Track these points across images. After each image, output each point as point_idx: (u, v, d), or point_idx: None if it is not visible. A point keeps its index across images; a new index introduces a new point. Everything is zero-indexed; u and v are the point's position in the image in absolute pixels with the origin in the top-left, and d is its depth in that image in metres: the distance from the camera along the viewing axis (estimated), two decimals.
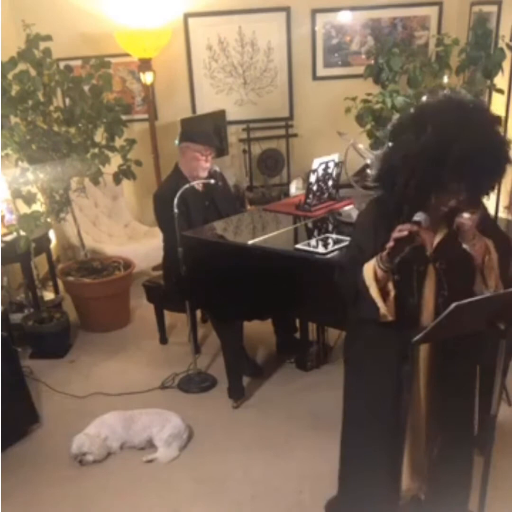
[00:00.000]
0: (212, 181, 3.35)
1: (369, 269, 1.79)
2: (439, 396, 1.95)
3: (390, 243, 1.70)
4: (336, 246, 2.72)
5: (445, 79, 4.02)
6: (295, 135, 5.16)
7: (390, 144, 1.84)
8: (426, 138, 1.63)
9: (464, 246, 1.73)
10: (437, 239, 1.82)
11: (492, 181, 1.72)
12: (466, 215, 1.70)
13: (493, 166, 1.66)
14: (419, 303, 1.84)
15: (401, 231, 1.68)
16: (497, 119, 1.80)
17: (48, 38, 3.61)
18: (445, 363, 1.91)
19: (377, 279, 1.78)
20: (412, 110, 1.83)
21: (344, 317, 2.05)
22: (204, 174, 3.44)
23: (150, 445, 2.95)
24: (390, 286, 1.80)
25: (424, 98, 3.66)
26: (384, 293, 1.80)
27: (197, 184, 3.41)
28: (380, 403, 1.99)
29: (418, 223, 1.70)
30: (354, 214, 3.03)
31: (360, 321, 1.92)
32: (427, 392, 1.96)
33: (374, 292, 1.79)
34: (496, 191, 3.98)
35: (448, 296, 1.80)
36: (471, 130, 1.63)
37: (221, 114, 5.02)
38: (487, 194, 1.76)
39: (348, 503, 2.25)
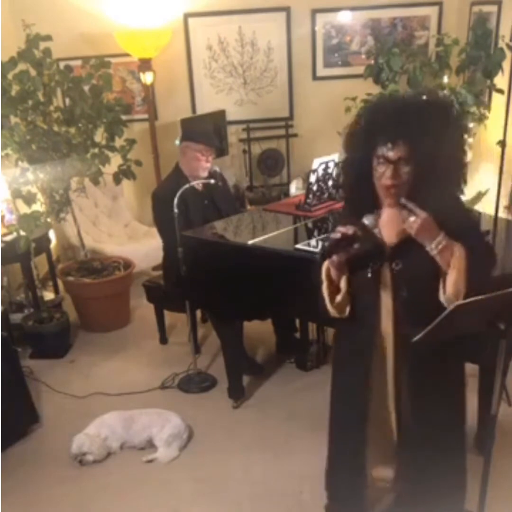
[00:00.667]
0: (212, 181, 3.35)
1: (325, 265, 1.86)
2: (406, 391, 1.91)
3: (336, 234, 1.73)
4: None
5: (445, 79, 4.02)
6: (295, 135, 5.16)
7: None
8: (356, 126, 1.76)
9: (427, 248, 1.69)
10: (397, 239, 1.79)
11: (417, 142, 1.67)
12: (411, 218, 1.68)
13: (406, 121, 1.66)
14: (376, 302, 1.84)
15: (335, 232, 1.72)
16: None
17: (48, 38, 3.61)
18: (410, 357, 1.86)
19: (328, 275, 1.86)
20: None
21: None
22: (204, 174, 3.45)
23: (150, 445, 2.95)
24: (343, 283, 1.84)
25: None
26: (334, 290, 1.86)
27: (197, 184, 3.42)
28: (346, 397, 2.07)
29: (363, 224, 1.74)
30: None
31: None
32: (395, 386, 1.94)
33: (324, 287, 1.87)
34: (496, 191, 3.98)
35: (408, 298, 1.79)
36: (387, 98, 1.83)
37: (221, 114, 5.02)
38: (434, 181, 1.69)
39: (331, 498, 2.28)
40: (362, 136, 1.75)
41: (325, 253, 1.78)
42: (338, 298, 1.86)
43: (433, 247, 1.68)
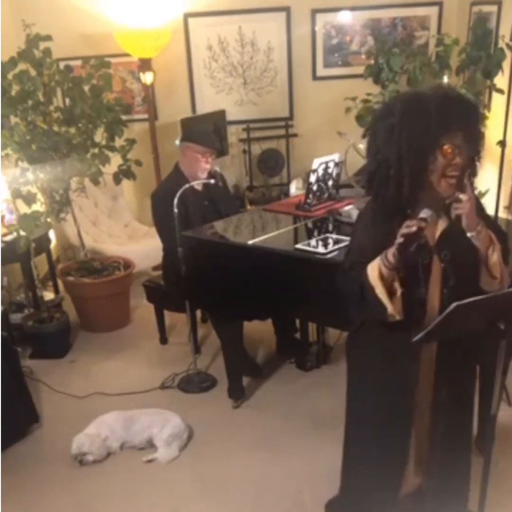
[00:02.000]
0: (212, 181, 3.35)
1: (374, 269, 1.77)
2: (443, 395, 1.94)
3: (399, 239, 1.69)
4: (336, 246, 2.72)
5: (445, 79, 4.02)
6: (295, 135, 5.16)
7: (368, 145, 1.85)
8: (400, 119, 1.70)
9: (469, 235, 1.71)
10: (439, 230, 1.81)
11: (472, 129, 1.72)
12: (462, 196, 1.69)
13: (464, 110, 1.70)
14: (426, 298, 1.82)
15: (409, 226, 1.67)
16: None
17: (48, 38, 3.61)
18: (449, 362, 1.90)
19: (382, 278, 1.75)
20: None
21: (346, 318, 2.04)
22: (204, 175, 3.45)
23: (150, 445, 2.95)
24: (397, 285, 1.77)
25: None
26: (390, 292, 1.77)
27: (197, 184, 3.42)
28: (386, 403, 1.98)
29: (424, 219, 1.69)
30: (354, 214, 3.03)
31: (364, 322, 1.92)
32: (432, 391, 1.96)
33: (380, 291, 1.76)
34: (496, 191, 3.97)
35: (454, 287, 1.79)
36: (428, 91, 1.76)
37: (221, 114, 5.02)
38: (477, 154, 1.75)
39: (350, 503, 2.25)
40: (417, 130, 1.68)
41: (399, 249, 1.69)
42: (397, 298, 1.77)
43: (475, 233, 1.71)
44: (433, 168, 1.70)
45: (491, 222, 1.85)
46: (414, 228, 1.66)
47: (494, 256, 1.74)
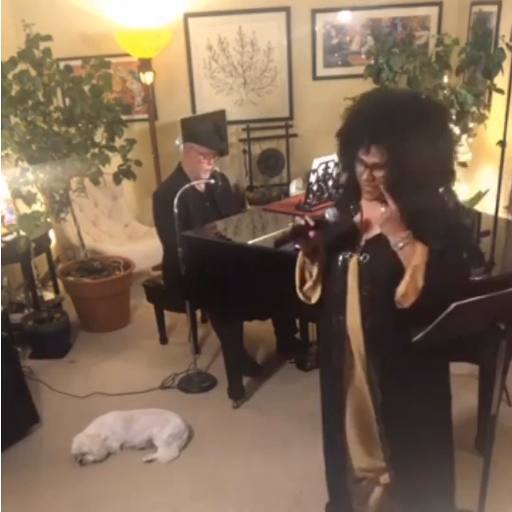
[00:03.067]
0: (212, 181, 3.35)
1: (300, 253, 1.93)
2: (376, 384, 1.92)
3: (289, 228, 1.82)
4: None
5: (445, 79, 4.02)
6: (295, 135, 5.16)
7: None
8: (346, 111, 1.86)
9: (391, 245, 1.72)
10: (372, 234, 1.83)
11: (398, 148, 1.66)
12: (382, 208, 1.75)
13: (393, 126, 1.65)
14: (343, 293, 1.88)
15: (296, 222, 1.81)
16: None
17: (48, 38, 3.61)
18: (378, 351, 1.88)
19: (301, 263, 1.95)
20: None
21: None
22: (206, 176, 3.45)
23: (150, 445, 2.95)
24: (315, 271, 1.91)
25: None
26: (306, 276, 1.96)
27: (198, 184, 3.42)
28: (325, 391, 2.12)
29: (321, 219, 1.82)
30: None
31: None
32: (367, 378, 1.95)
33: (296, 274, 1.98)
34: (496, 191, 3.97)
35: (371, 292, 1.82)
36: (377, 97, 1.83)
37: (221, 114, 5.02)
38: (406, 178, 1.68)
39: (329, 496, 2.30)
40: (344, 136, 1.80)
41: (278, 241, 1.85)
42: (308, 283, 1.95)
43: (396, 242, 1.71)
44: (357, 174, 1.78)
45: (450, 238, 1.73)
46: (302, 222, 1.79)
47: (406, 275, 1.69)
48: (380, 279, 1.79)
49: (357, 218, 1.87)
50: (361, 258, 1.83)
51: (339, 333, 1.93)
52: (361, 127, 1.71)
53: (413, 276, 1.68)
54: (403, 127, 1.65)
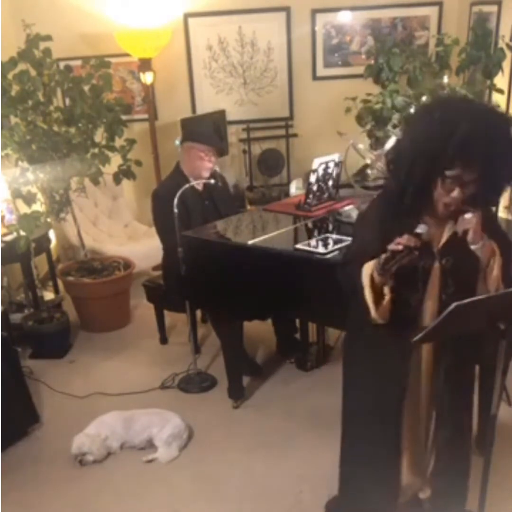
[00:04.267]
0: (212, 181, 3.35)
1: (368, 269, 1.77)
2: (440, 395, 1.95)
3: (387, 253, 1.68)
4: (336, 246, 2.72)
5: (445, 79, 4.01)
6: (295, 135, 5.16)
7: (401, 134, 1.88)
8: (432, 122, 1.66)
9: (473, 247, 1.72)
10: (445, 237, 1.82)
11: (499, 171, 1.66)
12: (467, 215, 1.69)
13: (498, 152, 1.62)
14: (423, 300, 1.84)
15: (397, 244, 1.66)
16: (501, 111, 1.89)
17: (48, 38, 3.61)
18: (447, 362, 1.92)
19: (373, 282, 1.76)
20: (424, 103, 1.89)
21: (345, 316, 2.05)
22: (207, 174, 3.44)
23: (150, 445, 2.95)
24: (386, 290, 1.76)
25: (424, 98, 3.66)
26: (378, 296, 1.77)
27: (197, 184, 3.42)
28: (380, 402, 1.99)
29: (418, 235, 1.69)
30: (354, 214, 3.03)
31: (360, 320, 1.91)
32: (428, 390, 1.97)
33: (367, 293, 1.77)
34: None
35: (452, 294, 1.79)
36: (474, 113, 1.66)
37: (221, 114, 5.02)
38: (496, 191, 1.74)
39: (349, 503, 2.26)
40: (429, 155, 1.66)
41: (381, 265, 1.69)
42: (384, 303, 1.77)
43: (480, 245, 1.72)
44: (435, 187, 1.71)
45: (499, 233, 1.85)
46: (400, 247, 1.65)
47: (495, 271, 1.76)
48: (463, 279, 1.80)
49: (421, 227, 1.74)
50: (444, 262, 1.81)
51: (410, 344, 1.80)
52: (469, 146, 1.60)
53: (498, 270, 1.76)
54: (504, 145, 1.63)
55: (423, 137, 1.67)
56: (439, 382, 1.94)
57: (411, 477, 2.09)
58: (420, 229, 1.69)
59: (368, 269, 1.77)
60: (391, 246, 1.66)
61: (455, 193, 1.68)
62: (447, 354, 1.91)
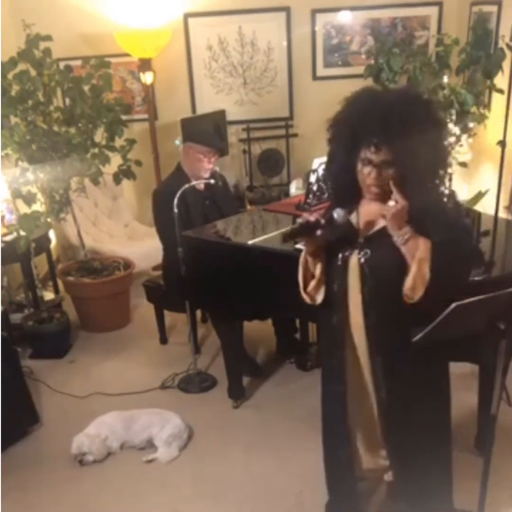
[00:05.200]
0: (212, 181, 3.35)
1: (303, 253, 1.92)
2: (381, 382, 1.92)
3: (295, 225, 1.80)
4: None
5: (445, 79, 4.02)
6: (295, 135, 5.16)
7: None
8: (345, 107, 1.80)
9: (394, 240, 1.72)
10: (371, 231, 1.83)
11: (415, 154, 1.66)
12: (390, 202, 1.72)
13: (406, 132, 1.64)
14: (345, 291, 1.87)
15: (301, 218, 1.78)
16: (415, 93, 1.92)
17: (48, 38, 3.61)
18: (382, 349, 1.89)
19: (305, 263, 1.93)
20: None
21: None
22: (206, 175, 3.45)
23: (150, 445, 2.95)
24: (317, 270, 1.90)
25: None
26: (308, 277, 1.93)
27: (198, 184, 3.42)
28: (326, 390, 2.10)
29: (331, 217, 1.79)
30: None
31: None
32: (371, 377, 1.95)
33: (299, 274, 1.96)
34: (496, 191, 3.96)
35: (374, 289, 1.81)
36: (378, 94, 1.81)
37: (221, 114, 5.02)
38: (417, 175, 1.70)
39: (329, 495, 2.30)
40: (345, 134, 1.77)
41: (286, 235, 1.82)
42: (312, 284, 1.92)
43: (399, 237, 1.71)
44: (357, 173, 1.76)
45: (449, 231, 1.74)
46: (312, 219, 1.77)
47: (412, 269, 1.70)
48: (382, 275, 1.79)
49: (352, 216, 1.86)
50: (362, 254, 1.82)
51: (341, 332, 1.92)
52: (368, 125, 1.68)
53: (420, 268, 1.69)
54: (410, 123, 1.66)
55: (338, 121, 1.82)
56: (375, 367, 1.92)
57: (371, 459, 2.10)
58: (335, 212, 1.80)
59: (303, 253, 1.93)
60: (298, 220, 1.80)
61: (372, 174, 1.72)
62: (379, 338, 1.88)
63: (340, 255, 1.85)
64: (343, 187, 1.86)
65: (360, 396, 2.00)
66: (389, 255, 1.75)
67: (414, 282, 1.70)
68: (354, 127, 1.73)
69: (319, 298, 1.94)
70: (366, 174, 1.74)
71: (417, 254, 1.70)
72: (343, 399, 2.00)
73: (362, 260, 1.81)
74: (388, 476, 2.16)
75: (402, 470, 2.05)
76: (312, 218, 1.77)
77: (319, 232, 1.77)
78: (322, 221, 1.77)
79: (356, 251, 1.83)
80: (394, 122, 1.65)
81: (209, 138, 3.53)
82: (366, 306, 1.85)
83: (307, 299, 1.96)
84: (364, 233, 1.84)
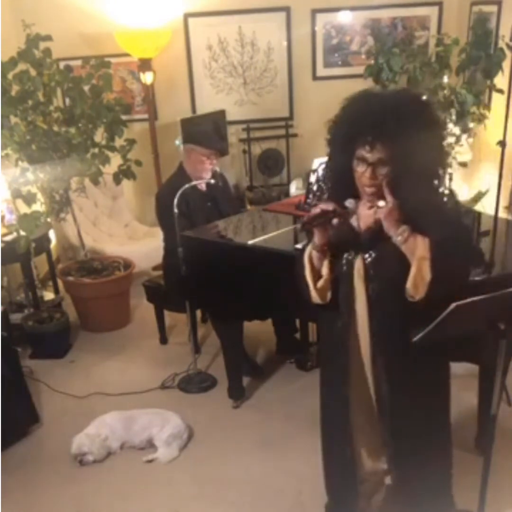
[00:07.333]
0: (212, 181, 3.36)
1: (307, 251, 1.90)
2: (384, 384, 1.91)
3: (309, 215, 1.78)
4: None
5: (445, 79, 4.02)
6: (295, 135, 5.16)
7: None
8: (343, 107, 1.81)
9: (393, 239, 1.72)
10: (372, 231, 1.82)
11: (410, 153, 1.66)
12: (380, 203, 1.72)
13: (400, 131, 1.65)
14: (351, 293, 1.86)
15: (316, 207, 1.77)
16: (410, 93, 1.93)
17: (48, 38, 3.61)
18: (386, 350, 1.87)
19: (311, 261, 1.89)
20: None
21: None
22: (208, 176, 3.46)
23: (150, 445, 2.95)
24: (325, 270, 1.87)
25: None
26: (316, 276, 1.89)
27: (199, 184, 3.42)
28: (329, 391, 2.08)
29: (344, 207, 1.77)
30: None
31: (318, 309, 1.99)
32: (373, 379, 1.94)
33: (307, 273, 1.90)
34: (496, 191, 3.97)
35: (379, 290, 1.81)
36: (373, 95, 1.79)
37: (221, 114, 5.02)
38: (411, 176, 1.69)
39: (329, 496, 2.29)
40: (341, 134, 1.78)
41: (302, 224, 1.80)
42: (320, 282, 1.89)
43: (397, 236, 1.70)
44: (353, 170, 1.76)
45: (449, 229, 1.73)
46: (331, 207, 1.75)
47: (412, 268, 1.69)
48: (387, 276, 1.78)
49: (353, 219, 1.85)
50: (366, 256, 1.81)
51: (346, 336, 1.91)
52: (363, 124, 1.69)
53: (420, 268, 1.68)
54: (405, 121, 1.66)
55: (336, 122, 1.82)
56: (378, 369, 1.91)
57: (372, 463, 2.09)
58: (348, 202, 1.78)
59: (307, 250, 1.91)
60: (312, 209, 1.78)
61: (367, 173, 1.71)
62: (384, 339, 1.87)
63: (344, 259, 1.84)
64: (342, 187, 1.85)
65: (362, 399, 1.99)
66: (393, 256, 1.74)
67: (415, 280, 1.70)
68: (350, 126, 1.74)
69: (328, 296, 1.92)
70: (361, 173, 1.73)
71: (417, 252, 1.70)
72: (346, 403, 1.99)
73: (368, 260, 1.81)
74: (388, 480, 2.15)
75: (402, 471, 2.05)
76: (330, 207, 1.76)
77: (335, 220, 1.76)
78: (339, 210, 1.76)
79: (360, 254, 1.82)
80: (388, 120, 1.65)
81: (210, 140, 3.54)
82: (371, 309, 1.84)
83: (317, 298, 1.92)
84: (365, 235, 1.83)
